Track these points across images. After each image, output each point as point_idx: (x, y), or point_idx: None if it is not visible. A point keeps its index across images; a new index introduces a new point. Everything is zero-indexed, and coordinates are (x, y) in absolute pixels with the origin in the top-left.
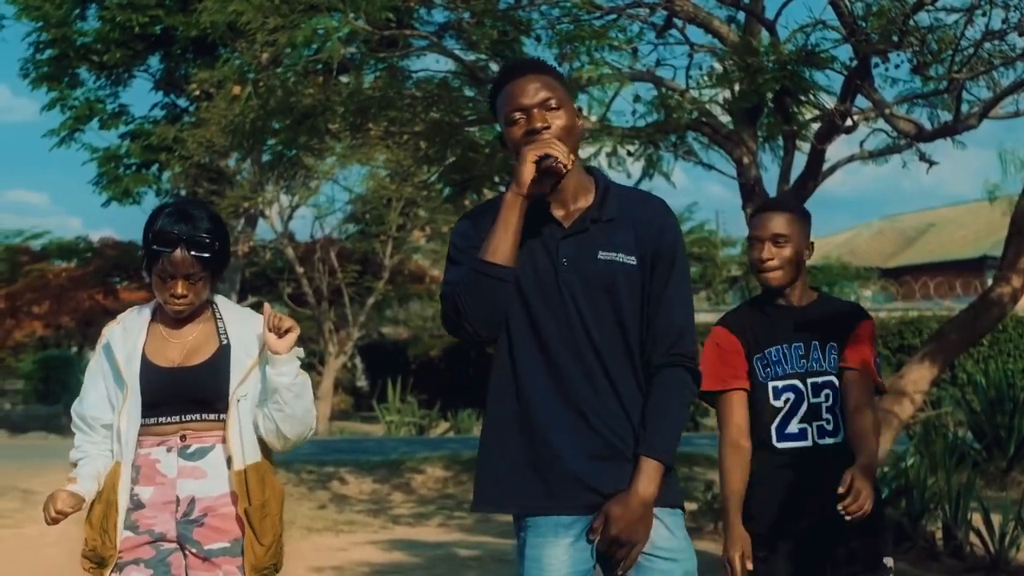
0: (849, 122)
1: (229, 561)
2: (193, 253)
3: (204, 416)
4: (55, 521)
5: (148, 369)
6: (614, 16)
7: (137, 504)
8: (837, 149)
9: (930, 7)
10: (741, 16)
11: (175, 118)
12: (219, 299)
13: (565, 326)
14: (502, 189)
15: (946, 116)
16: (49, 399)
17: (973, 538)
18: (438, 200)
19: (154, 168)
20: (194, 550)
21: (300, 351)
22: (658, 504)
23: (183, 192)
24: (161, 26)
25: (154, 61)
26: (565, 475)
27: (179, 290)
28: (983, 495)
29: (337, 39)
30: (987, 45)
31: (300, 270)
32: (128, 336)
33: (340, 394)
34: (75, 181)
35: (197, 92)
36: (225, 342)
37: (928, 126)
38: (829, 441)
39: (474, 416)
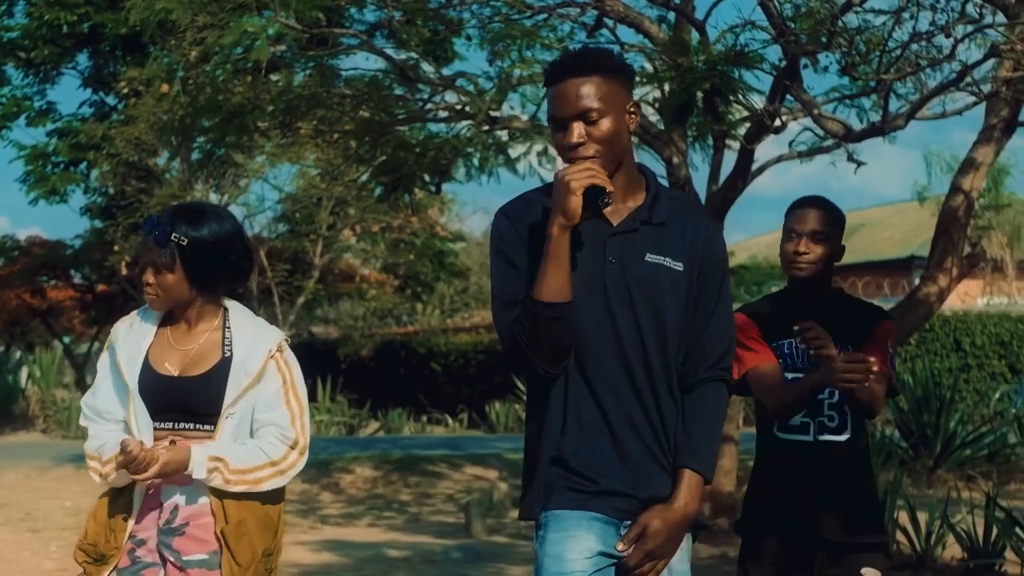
0: (778, 122)
1: (205, 574)
2: (155, 242)
3: (198, 426)
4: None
5: (148, 374)
6: (545, 15)
7: None
8: (766, 149)
9: (858, 8)
10: (672, 16)
11: (104, 116)
12: (234, 307)
13: (607, 326)
14: (431, 189)
15: (874, 116)
16: None
17: (900, 536)
18: (369, 199)
19: (82, 166)
20: (172, 559)
21: (200, 469)
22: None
23: (111, 190)
24: (89, 23)
25: (83, 58)
26: (603, 476)
27: (146, 277)
28: (910, 493)
29: (266, 38)
30: (914, 46)
31: None
32: (133, 336)
33: None
34: (1, 179)
35: (126, 90)
36: (228, 355)
37: (856, 126)
38: (830, 438)
39: (404, 415)
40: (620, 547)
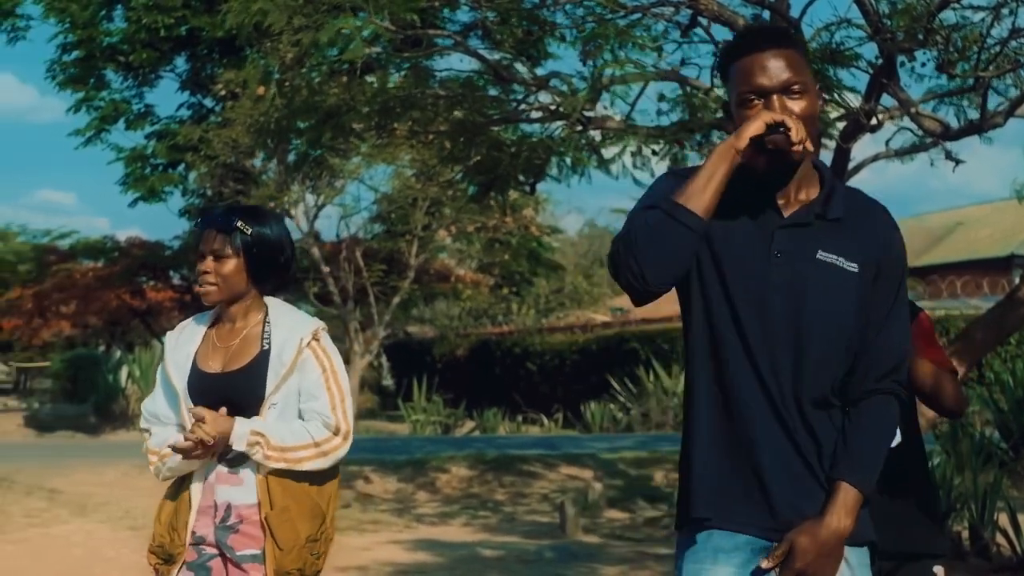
0: (874, 121)
1: (258, 568)
2: (218, 229)
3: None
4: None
5: (195, 375)
6: (638, 15)
7: None
8: (863, 147)
9: (956, 5)
10: (766, 15)
11: (201, 118)
12: (273, 303)
13: (769, 325)
14: (525, 189)
15: (973, 114)
16: (76, 398)
17: (1000, 538)
18: (463, 199)
19: (180, 168)
20: (228, 554)
21: (240, 442)
22: (847, 542)
23: (209, 192)
24: (187, 27)
25: (180, 61)
26: (758, 493)
27: (204, 267)
28: (1010, 495)
29: (361, 39)
30: (1013, 43)
31: (326, 269)
32: (181, 342)
33: (366, 393)
34: (102, 181)
35: (223, 92)
36: (266, 347)
37: (954, 124)
38: None
39: (499, 415)
40: (765, 564)
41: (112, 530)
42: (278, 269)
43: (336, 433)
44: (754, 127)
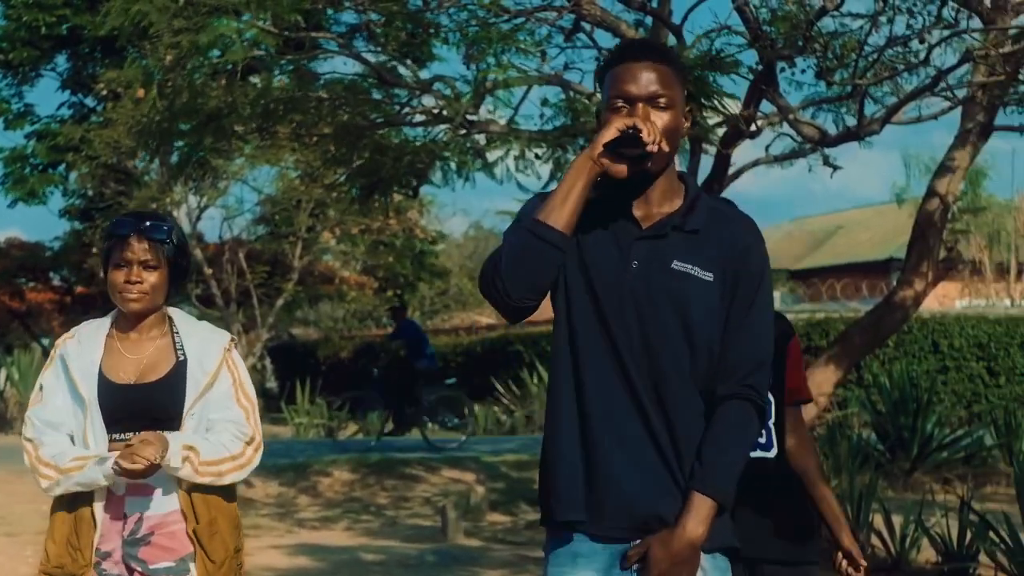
0: (753, 127)
1: None
2: (149, 238)
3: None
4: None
5: (105, 385)
6: (522, 19)
7: None
8: (744, 152)
9: (835, 13)
10: (649, 20)
11: (82, 118)
12: (175, 312)
13: (626, 331)
14: (408, 193)
15: (851, 121)
16: None
17: (874, 540)
18: (347, 202)
19: (61, 168)
20: (139, 569)
21: (176, 458)
22: (703, 549)
23: (90, 192)
24: (68, 25)
25: (61, 60)
26: (614, 495)
27: (132, 275)
28: (886, 496)
29: (241, 42)
30: (890, 51)
31: (208, 271)
32: (83, 350)
33: None
34: None
35: (105, 92)
36: (182, 358)
37: (832, 131)
38: (760, 454)
39: (383, 417)
40: (623, 565)
41: None
42: (184, 277)
43: (250, 443)
44: (608, 133)
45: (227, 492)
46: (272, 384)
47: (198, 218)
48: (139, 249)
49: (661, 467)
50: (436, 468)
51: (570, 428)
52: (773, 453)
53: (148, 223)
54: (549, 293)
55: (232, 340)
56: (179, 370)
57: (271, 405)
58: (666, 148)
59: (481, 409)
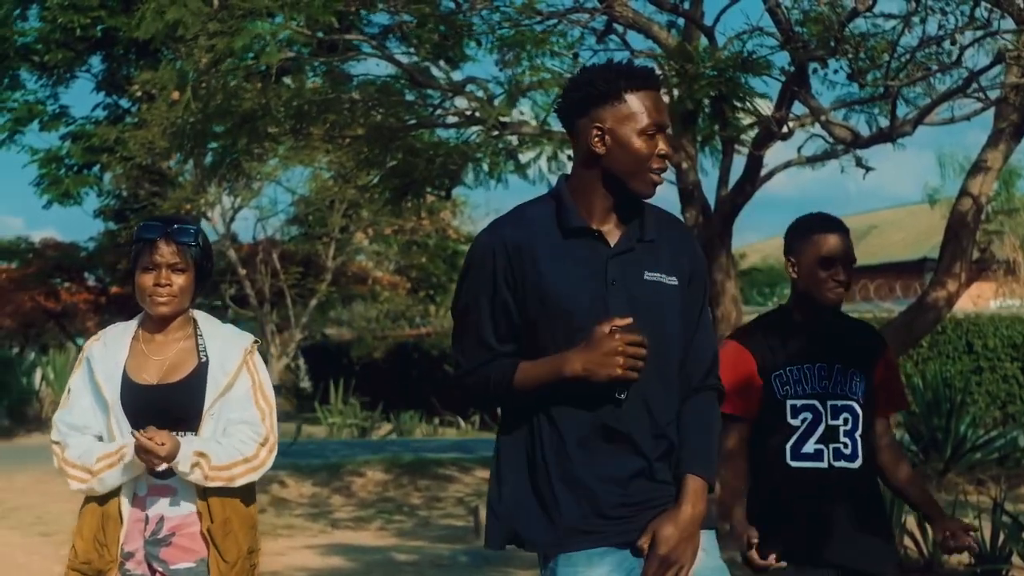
0: (785, 129)
1: None
2: (177, 241)
3: (179, 433)
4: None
5: (128, 386)
6: (555, 21)
7: None
8: (776, 152)
9: (867, 14)
10: (681, 22)
11: (117, 119)
12: (200, 315)
13: None
14: (441, 194)
15: (883, 122)
16: None
17: (907, 542)
18: (380, 202)
19: (96, 169)
20: (160, 569)
21: (185, 463)
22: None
23: (125, 193)
24: (103, 27)
25: (96, 62)
26: (603, 503)
27: (161, 279)
28: None
29: (275, 44)
30: (923, 52)
31: (242, 272)
32: (108, 353)
33: (283, 396)
34: (16, 181)
35: (139, 93)
36: (204, 359)
37: (865, 132)
38: (844, 465)
39: (416, 418)
40: (635, 555)
41: (23, 536)
42: (209, 280)
43: (264, 444)
44: (599, 377)
45: (244, 494)
46: (306, 384)
47: (232, 219)
48: (167, 252)
49: (645, 470)
50: (469, 468)
51: (567, 450)
52: (858, 464)
53: (176, 226)
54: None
55: (255, 343)
56: (200, 371)
57: (305, 405)
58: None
59: None
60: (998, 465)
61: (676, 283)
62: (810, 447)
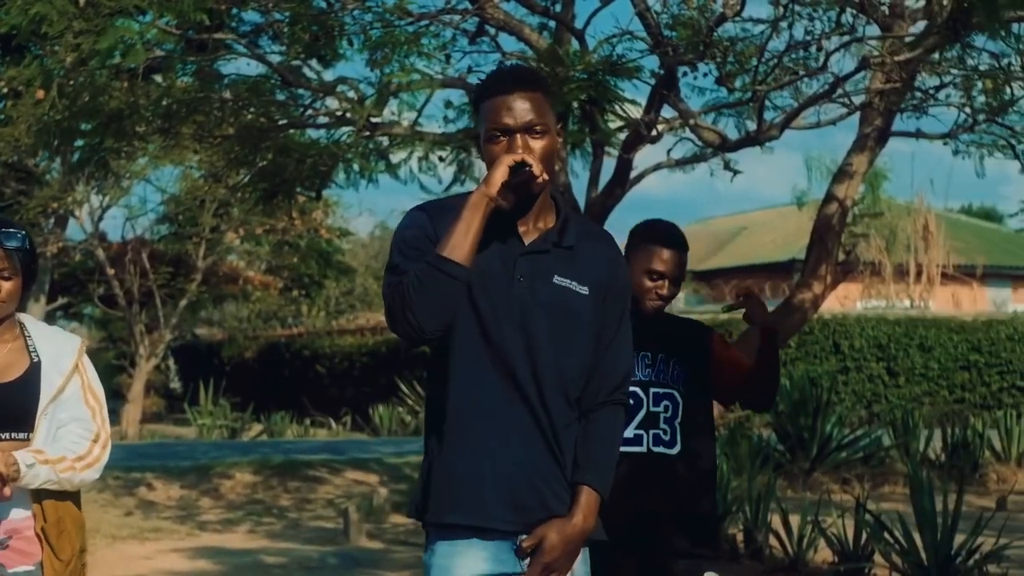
0: (655, 132)
1: None
2: (7, 248)
3: (13, 435)
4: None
5: None
6: (426, 22)
7: None
8: (646, 154)
9: (735, 19)
10: (552, 24)
11: None
12: (25, 317)
13: (512, 342)
14: (311, 195)
15: (751, 125)
16: None
17: (772, 540)
18: (251, 202)
19: None
20: None
21: (22, 465)
22: None
23: None
24: None
25: None
26: (503, 493)
27: None
28: (785, 496)
29: (142, 44)
30: (790, 57)
31: (111, 271)
32: None
33: (152, 396)
34: None
35: (5, 89)
36: (36, 359)
37: (733, 135)
38: (662, 451)
39: (287, 418)
40: (518, 554)
41: None
42: (33, 282)
43: (96, 440)
44: (500, 173)
45: (75, 496)
46: (176, 385)
47: (100, 217)
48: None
49: (549, 463)
50: (339, 470)
51: (453, 431)
52: (676, 450)
53: (2, 231)
54: None
55: (83, 343)
56: (34, 371)
57: (174, 406)
58: (546, 176)
59: (385, 410)
60: (863, 464)
61: (587, 293)
62: (630, 432)
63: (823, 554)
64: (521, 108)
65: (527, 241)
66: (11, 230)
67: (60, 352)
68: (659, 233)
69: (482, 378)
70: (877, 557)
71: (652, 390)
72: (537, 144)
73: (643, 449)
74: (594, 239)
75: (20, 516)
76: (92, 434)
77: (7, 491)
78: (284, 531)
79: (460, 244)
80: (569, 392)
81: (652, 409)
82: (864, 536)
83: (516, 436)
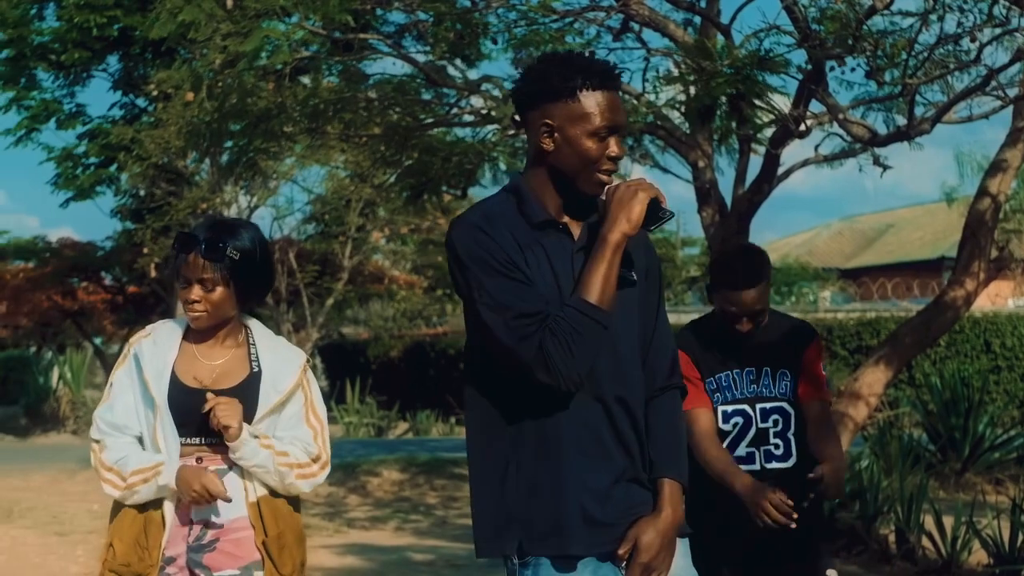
0: (803, 127)
1: None
2: (207, 257)
3: (217, 443)
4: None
5: (176, 388)
6: (570, 19)
7: None
8: (793, 151)
9: (885, 11)
10: (697, 20)
11: (133, 118)
12: (255, 324)
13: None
14: (457, 193)
15: (901, 120)
16: (6, 400)
17: (925, 541)
18: (397, 201)
19: (112, 168)
20: (203, 575)
21: (245, 436)
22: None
23: (141, 192)
24: (119, 26)
25: (112, 61)
26: (585, 508)
27: (191, 295)
28: (937, 497)
29: (288, 46)
30: (941, 50)
31: None
32: (158, 351)
33: None
34: (33, 181)
35: (156, 92)
36: (256, 369)
37: (883, 130)
38: (777, 466)
39: (433, 417)
40: (618, 564)
41: (39, 536)
42: (262, 287)
43: (316, 461)
44: (638, 212)
45: (294, 503)
46: (322, 383)
47: (249, 218)
48: (197, 267)
49: (632, 473)
50: None
51: (522, 449)
52: (791, 463)
53: (205, 243)
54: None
55: (308, 359)
56: (252, 381)
57: None
58: (663, 198)
59: None
60: (1016, 464)
61: (636, 278)
62: (742, 451)
63: (977, 556)
64: (622, 107)
65: (575, 233)
66: (217, 242)
67: (282, 367)
68: (735, 277)
69: (581, 399)
70: None
71: (759, 406)
72: (619, 146)
73: (756, 467)
74: None
75: (230, 518)
76: (313, 455)
77: (226, 493)
78: (431, 529)
79: (607, 289)
80: (643, 385)
81: (761, 425)
82: (1020, 538)
83: (609, 444)
